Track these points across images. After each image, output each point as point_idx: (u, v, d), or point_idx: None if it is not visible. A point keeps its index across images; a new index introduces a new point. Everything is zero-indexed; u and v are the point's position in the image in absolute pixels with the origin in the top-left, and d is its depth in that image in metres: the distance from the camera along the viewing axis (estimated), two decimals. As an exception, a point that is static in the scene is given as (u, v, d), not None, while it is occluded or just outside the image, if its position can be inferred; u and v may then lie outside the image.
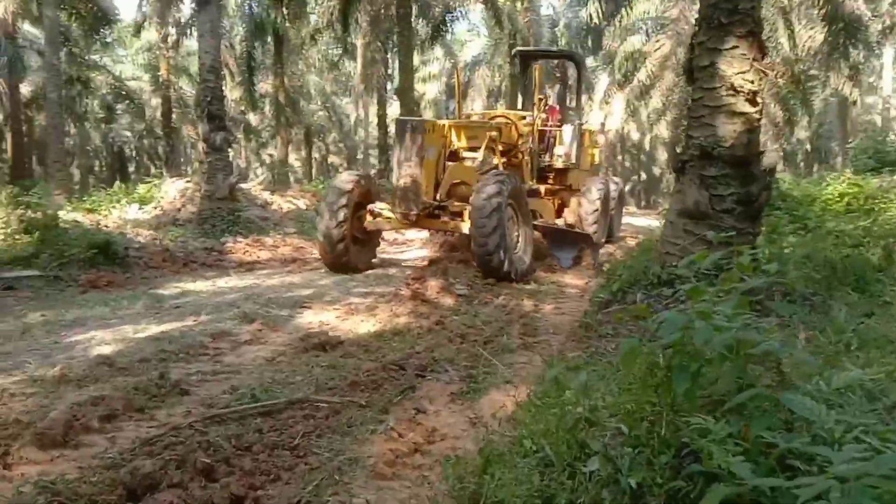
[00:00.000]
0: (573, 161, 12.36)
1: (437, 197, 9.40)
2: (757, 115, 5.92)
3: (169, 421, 3.92)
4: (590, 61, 39.42)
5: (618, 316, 4.68)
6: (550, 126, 12.34)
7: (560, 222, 12.09)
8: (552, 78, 28.17)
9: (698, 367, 2.72)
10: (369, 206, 9.78)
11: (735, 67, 5.84)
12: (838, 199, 10.50)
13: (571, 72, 26.62)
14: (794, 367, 3.18)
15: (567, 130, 12.43)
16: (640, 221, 20.08)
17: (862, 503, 1.54)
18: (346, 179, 9.79)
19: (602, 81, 37.89)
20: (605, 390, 3.47)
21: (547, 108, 12.81)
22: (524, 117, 11.55)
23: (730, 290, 3.24)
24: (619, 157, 52.08)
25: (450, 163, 9.78)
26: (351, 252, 9.54)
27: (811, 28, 25.41)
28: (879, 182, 10.53)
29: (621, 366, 3.07)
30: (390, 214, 9.58)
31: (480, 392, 4.50)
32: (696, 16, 6.30)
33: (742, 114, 5.85)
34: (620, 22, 27.97)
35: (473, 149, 9.97)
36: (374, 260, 10.40)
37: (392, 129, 9.94)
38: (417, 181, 9.24)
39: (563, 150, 12.27)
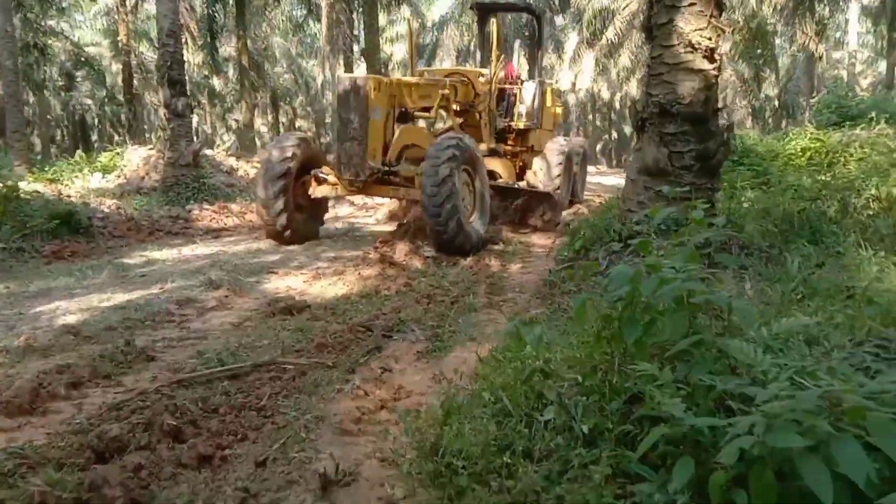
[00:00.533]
0: (535, 121, 11.96)
1: (387, 161, 8.76)
2: (714, 72, 6.00)
3: (135, 386, 3.95)
4: (559, 20, 39.26)
5: (570, 272, 4.80)
6: (510, 84, 11.90)
7: (522, 184, 11.55)
8: (520, 35, 27.89)
9: (649, 319, 2.83)
10: (313, 172, 9.12)
11: (693, 24, 5.90)
12: (801, 154, 10.67)
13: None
14: (742, 315, 3.32)
15: (528, 88, 11.99)
16: (611, 181, 20.24)
17: (784, 436, 1.64)
18: (285, 143, 9.04)
19: (571, 40, 37.80)
20: (564, 343, 3.58)
21: (504, 64, 12.18)
22: (482, 75, 11.01)
23: (682, 243, 3.36)
24: (590, 116, 52.18)
25: (400, 124, 9.18)
26: (294, 222, 8.94)
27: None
28: (840, 136, 10.69)
29: (575, 320, 3.16)
30: (336, 180, 8.99)
31: (446, 350, 4.60)
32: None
33: (700, 71, 5.93)
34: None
35: (426, 109, 9.49)
36: (322, 227, 9.93)
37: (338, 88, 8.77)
38: (363, 144, 8.47)
39: (523, 110, 11.84)
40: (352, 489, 2.81)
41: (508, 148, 11.74)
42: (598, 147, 52.40)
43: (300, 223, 9.07)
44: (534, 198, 10.55)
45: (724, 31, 6.00)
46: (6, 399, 3.60)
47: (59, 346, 4.70)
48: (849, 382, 1.84)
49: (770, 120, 41.62)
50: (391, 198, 9.48)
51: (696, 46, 5.87)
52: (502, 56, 11.51)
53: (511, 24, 28.08)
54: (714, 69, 5.98)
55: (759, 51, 26.36)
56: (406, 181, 8.80)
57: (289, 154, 8.72)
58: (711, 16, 5.91)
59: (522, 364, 3.29)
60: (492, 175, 10.07)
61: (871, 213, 6.67)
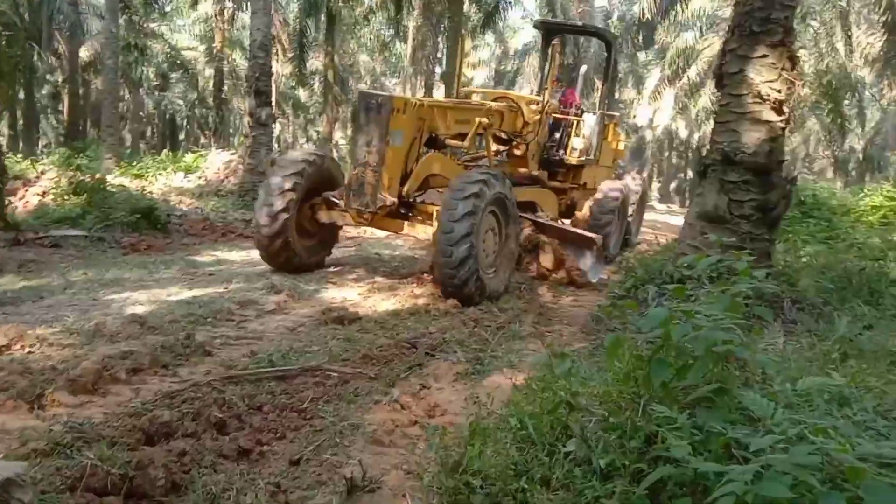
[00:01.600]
0: (591, 156, 10.87)
1: (405, 192, 7.52)
2: (782, 125, 6.00)
3: (190, 378, 4.22)
4: (641, 56, 39.13)
5: (607, 310, 4.86)
6: (566, 115, 10.74)
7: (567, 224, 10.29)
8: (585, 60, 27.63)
9: (681, 364, 2.91)
10: (325, 195, 7.95)
11: (763, 76, 5.92)
12: (872, 210, 10.41)
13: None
14: (777, 369, 3.36)
15: (588, 121, 10.87)
16: (679, 221, 19.92)
17: (772, 486, 1.72)
18: (295, 158, 8.03)
19: (653, 76, 37.59)
20: (599, 379, 3.67)
21: (562, 92, 11.20)
22: (535, 102, 9.88)
23: (725, 292, 3.42)
24: (667, 154, 51.57)
25: (429, 151, 7.95)
26: (295, 248, 7.80)
27: (871, 35, 24.87)
28: (917, 196, 10.42)
29: (606, 357, 3.25)
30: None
31: (484, 374, 4.72)
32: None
33: (766, 122, 5.94)
34: (674, 17, 27.72)
35: (462, 136, 8.15)
36: (328, 257, 8.71)
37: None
38: (376, 172, 7.27)
39: (579, 144, 10.65)
40: (375, 496, 2.97)
41: (557, 184, 10.61)
42: (673, 186, 51.62)
43: (302, 249, 7.95)
44: (574, 241, 8.81)
45: (794, 85, 5.99)
46: (72, 378, 3.90)
47: (125, 334, 5.02)
48: (846, 444, 1.90)
49: (854, 172, 40.37)
50: (403, 235, 8.09)
51: (765, 98, 5.89)
52: (558, 83, 10.79)
53: (593, 54, 28.03)
54: (781, 121, 5.98)
55: (828, 106, 25.58)
56: (424, 217, 7.68)
57: (297, 169, 7.74)
58: (783, 68, 5.92)
59: (552, 395, 3.40)
60: (530, 206, 9.14)
61: (937, 278, 6.50)
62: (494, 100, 9.63)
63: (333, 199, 7.87)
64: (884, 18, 22.97)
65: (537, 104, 9.78)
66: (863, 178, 36.90)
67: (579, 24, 11.65)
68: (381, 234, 10.71)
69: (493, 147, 9.41)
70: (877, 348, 4.33)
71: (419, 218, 7.69)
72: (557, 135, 10.70)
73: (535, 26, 11.80)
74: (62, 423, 3.38)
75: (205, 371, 4.39)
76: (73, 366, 4.14)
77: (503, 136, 9.36)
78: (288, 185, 7.59)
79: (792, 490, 1.76)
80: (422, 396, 4.22)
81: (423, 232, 7.45)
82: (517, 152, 9.69)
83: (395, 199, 7.40)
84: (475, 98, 9.96)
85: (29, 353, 4.47)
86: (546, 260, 8.59)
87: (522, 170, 9.72)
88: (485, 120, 8.20)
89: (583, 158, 10.69)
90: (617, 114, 15.64)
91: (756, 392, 2.54)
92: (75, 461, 2.93)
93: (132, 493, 2.81)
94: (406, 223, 7.67)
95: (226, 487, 2.92)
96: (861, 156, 39.48)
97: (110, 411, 3.62)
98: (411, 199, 7.72)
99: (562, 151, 10.64)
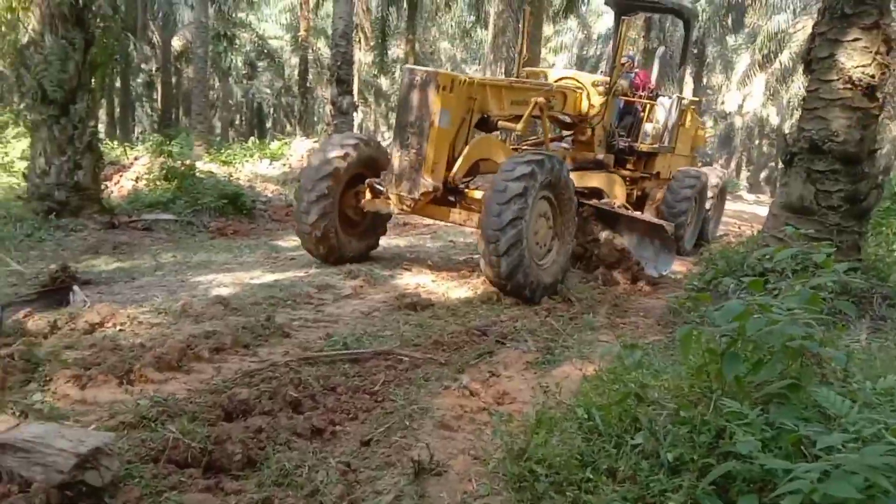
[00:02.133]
0: (665, 143, 10.18)
1: (451, 178, 7.01)
2: (875, 111, 5.71)
3: (268, 358, 4.39)
4: (731, 40, 37.79)
5: (682, 302, 4.76)
6: (640, 98, 10.15)
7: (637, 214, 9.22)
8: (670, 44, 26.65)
9: (756, 359, 2.84)
10: (368, 181, 7.43)
11: (855, 60, 5.65)
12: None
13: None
14: (860, 366, 3.24)
15: (662, 105, 10.20)
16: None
17: (839, 486, 1.68)
18: (336, 143, 7.48)
19: (742, 61, 36.28)
20: (672, 372, 3.61)
21: (633, 73, 10.43)
22: (602, 83, 9.15)
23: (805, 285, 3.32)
24: (757, 142, 49.76)
25: (480, 133, 7.42)
26: (339, 238, 7.39)
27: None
28: None
29: (679, 349, 3.20)
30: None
31: (554, 364, 4.71)
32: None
33: (858, 108, 5.67)
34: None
35: (520, 118, 7.56)
36: (377, 248, 8.28)
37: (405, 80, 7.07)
38: (420, 155, 6.82)
39: (652, 130, 9.98)
40: (441, 479, 3.02)
41: (627, 172, 10.03)
42: (763, 175, 49.78)
43: (344, 240, 7.54)
44: (643, 229, 8.05)
45: (889, 69, 5.69)
46: (158, 354, 4.11)
47: (209, 314, 5.24)
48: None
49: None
50: (450, 222, 7.49)
51: (857, 83, 5.62)
52: (630, 64, 10.27)
53: (680, 38, 27.19)
54: (874, 108, 5.70)
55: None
56: (472, 203, 7.05)
57: (339, 154, 7.25)
58: (877, 52, 5.63)
59: (622, 387, 3.37)
60: (595, 194, 8.60)
61: None
62: (558, 80, 9.08)
63: (378, 186, 7.33)
64: None
65: (604, 86, 9.10)
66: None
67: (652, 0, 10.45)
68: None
69: (556, 131, 8.97)
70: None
71: (467, 204, 7.14)
72: (629, 120, 10.10)
73: (606, 2, 10.88)
74: (148, 397, 3.57)
75: (283, 352, 4.55)
76: (160, 343, 4.36)
77: (567, 119, 8.79)
78: (327, 172, 7.15)
79: (862, 491, 1.71)
80: (491, 384, 4.26)
81: (471, 219, 6.91)
82: (582, 137, 9.13)
83: (440, 185, 6.91)
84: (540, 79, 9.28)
85: (120, 330, 4.73)
86: (606, 255, 7.91)
87: (587, 154, 9.16)
88: (541, 100, 7.66)
89: (655, 145, 10.07)
90: (694, 98, 14.27)
91: (833, 390, 2.46)
92: (159, 434, 3.10)
93: (210, 466, 2.97)
94: (452, 210, 7.17)
95: (298, 464, 3.03)
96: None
97: (193, 388, 3.81)
98: (459, 185, 7.14)
99: (632, 137, 9.99)
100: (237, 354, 4.47)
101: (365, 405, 3.78)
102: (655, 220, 8.21)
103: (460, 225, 7.43)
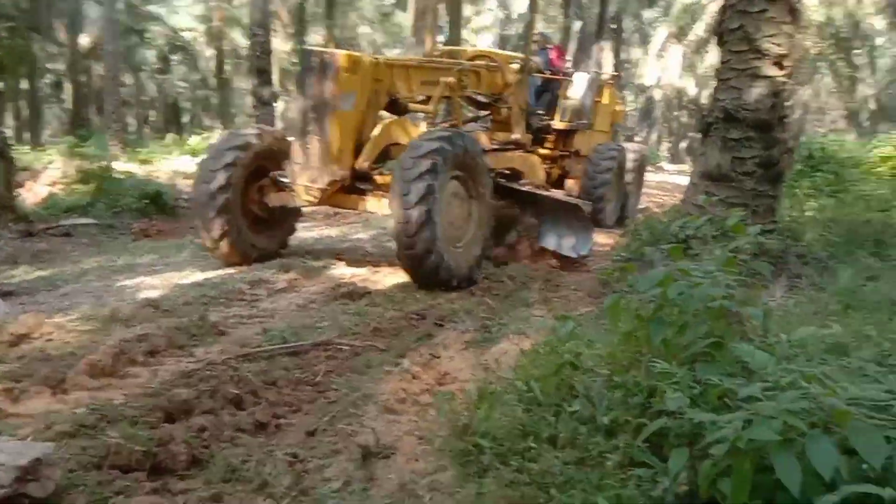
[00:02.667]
0: (583, 120, 10.19)
1: (360, 164, 6.71)
2: (783, 79, 5.99)
3: (205, 357, 4.32)
4: (646, 13, 38.66)
5: (609, 273, 4.93)
6: (554, 75, 10.13)
7: (558, 193, 9.10)
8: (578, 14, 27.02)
9: (681, 321, 2.98)
10: (272, 174, 7.06)
11: (763, 31, 5.90)
12: (882, 161, 10.36)
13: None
14: (777, 322, 3.43)
15: (579, 81, 10.23)
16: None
17: (760, 431, 1.80)
18: (234, 137, 7.05)
19: (659, 34, 37.17)
20: (603, 340, 3.74)
21: (547, 48, 10.45)
22: (516, 60, 8.97)
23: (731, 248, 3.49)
24: (676, 113, 51.11)
25: (387, 115, 7.16)
26: (241, 237, 6.94)
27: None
28: (925, 145, 10.35)
29: (609, 318, 3.32)
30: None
31: (493, 341, 4.81)
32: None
33: (768, 77, 5.93)
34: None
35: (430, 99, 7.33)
36: (285, 244, 7.80)
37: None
38: (324, 142, 6.52)
39: (569, 106, 9.97)
40: (389, 461, 3.07)
41: (546, 151, 9.97)
42: (683, 146, 51.22)
43: (251, 238, 7.13)
44: (558, 209, 7.72)
45: (795, 38, 5.96)
46: (91, 362, 4.00)
47: (140, 318, 5.12)
48: (834, 389, 1.97)
49: (868, 123, 39.91)
50: (360, 211, 7.24)
51: (766, 53, 5.87)
52: (539, 39, 10.17)
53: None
54: (783, 76, 5.97)
55: (836, 56, 25.20)
56: (384, 189, 6.63)
57: (239, 144, 6.85)
58: (783, 22, 5.89)
59: (557, 358, 3.48)
60: (514, 175, 8.32)
61: (944, 226, 6.52)
62: (471, 59, 8.80)
63: (282, 179, 6.99)
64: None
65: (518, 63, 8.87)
66: (876, 128, 36.50)
67: None
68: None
69: (473, 112, 8.83)
70: (879, 299, 4.38)
71: (378, 192, 6.77)
72: (546, 98, 10.05)
73: None
74: (85, 405, 3.48)
75: (219, 350, 4.49)
76: (91, 350, 4.25)
77: (482, 99, 8.57)
78: (224, 165, 6.68)
79: (781, 434, 1.84)
80: (432, 365, 4.32)
81: (382, 206, 6.54)
82: (498, 117, 8.91)
83: (347, 173, 6.66)
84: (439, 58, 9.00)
85: (48, 340, 4.57)
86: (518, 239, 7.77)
87: (503, 134, 8.94)
88: (451, 80, 7.28)
89: (573, 123, 10.04)
90: (612, 73, 14.39)
91: (753, 345, 2.61)
92: (100, 441, 3.03)
93: (156, 469, 2.93)
94: (362, 199, 6.87)
95: (245, 459, 3.03)
96: (874, 105, 39.00)
97: (130, 392, 3.73)
98: (369, 172, 6.83)
99: (550, 116, 9.94)
100: (173, 356, 4.39)
101: (308, 396, 3.79)
102: (572, 201, 8.06)
103: (371, 213, 7.19)
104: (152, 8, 35.20)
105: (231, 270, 6.97)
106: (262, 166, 7.05)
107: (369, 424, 3.41)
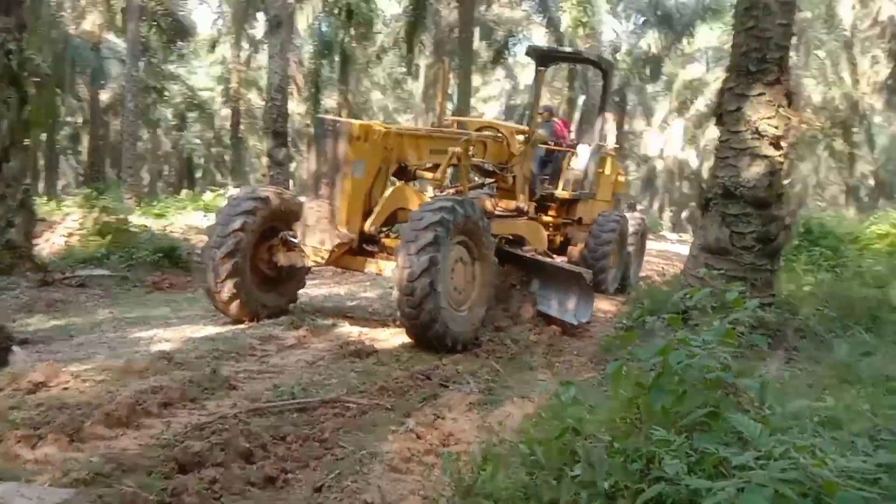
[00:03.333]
0: (586, 189, 10.50)
1: (368, 228, 6.91)
2: (780, 159, 6.24)
3: (217, 411, 4.44)
4: (649, 88, 39.60)
5: (609, 340, 5.07)
6: (559, 147, 10.51)
7: (560, 261, 9.40)
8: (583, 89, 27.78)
9: (681, 390, 3.11)
10: (282, 235, 7.25)
11: (760, 113, 6.18)
12: (879, 238, 10.55)
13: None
14: (773, 394, 3.55)
15: (582, 152, 10.62)
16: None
17: (752, 498, 1.93)
18: (244, 197, 7.22)
19: (661, 107, 38.07)
20: (605, 406, 3.86)
21: (552, 121, 10.96)
22: (522, 133, 9.35)
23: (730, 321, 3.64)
24: (678, 184, 51.81)
25: (397, 182, 7.40)
26: (251, 296, 7.12)
27: (875, 63, 25.18)
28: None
29: (610, 385, 3.45)
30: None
31: (496, 404, 4.92)
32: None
33: (765, 157, 6.18)
34: (681, 50, 28.20)
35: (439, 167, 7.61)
36: (294, 300, 7.99)
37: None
38: (333, 206, 6.74)
39: (572, 177, 10.34)
40: (394, 519, 3.17)
41: (549, 219, 10.26)
42: (685, 215, 51.74)
43: (259, 297, 7.30)
44: (560, 276, 7.89)
45: (791, 120, 6.23)
46: (107, 412, 4.13)
47: (154, 370, 5.25)
48: (824, 460, 2.10)
49: (867, 198, 40.35)
50: (366, 272, 7.43)
51: (763, 134, 6.13)
52: (545, 113, 10.53)
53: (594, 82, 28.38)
54: (780, 156, 6.22)
55: (834, 133, 25.76)
56: (389, 252, 6.88)
57: (247, 208, 7.00)
58: (780, 105, 6.17)
59: (560, 422, 3.60)
60: (517, 241, 8.61)
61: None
62: (479, 129, 9.12)
63: (292, 239, 7.15)
64: (888, 47, 23.28)
65: (525, 135, 9.23)
66: (876, 204, 36.90)
67: (569, 50, 11.11)
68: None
69: (479, 179, 9.14)
70: (874, 374, 4.49)
71: (383, 254, 7.03)
72: (550, 168, 10.40)
73: (528, 53, 11.10)
74: (100, 454, 3.60)
75: (230, 404, 4.61)
76: (107, 400, 4.37)
77: (488, 167, 8.84)
78: (235, 227, 6.84)
79: (772, 502, 1.96)
80: (436, 426, 4.42)
81: (387, 269, 6.74)
82: (503, 185, 9.21)
83: (355, 236, 6.86)
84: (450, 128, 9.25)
85: (65, 389, 4.70)
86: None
87: (507, 201, 9.23)
88: (458, 150, 7.48)
89: (576, 192, 10.37)
90: (614, 145, 14.70)
91: (748, 416, 2.74)
92: (115, 489, 3.14)
93: (169, 518, 3.03)
94: (368, 260, 7.08)
95: (254, 512, 3.13)
96: (873, 182, 39.51)
97: (144, 443, 3.85)
98: (376, 235, 7.04)
99: (553, 185, 10.28)
100: (186, 408, 4.50)
101: (315, 453, 3.89)
102: (574, 269, 8.14)
103: (377, 275, 7.33)
104: (172, 67, 36.26)
105: (242, 326, 7.11)
106: (272, 226, 7.26)
107: (375, 482, 3.51)
